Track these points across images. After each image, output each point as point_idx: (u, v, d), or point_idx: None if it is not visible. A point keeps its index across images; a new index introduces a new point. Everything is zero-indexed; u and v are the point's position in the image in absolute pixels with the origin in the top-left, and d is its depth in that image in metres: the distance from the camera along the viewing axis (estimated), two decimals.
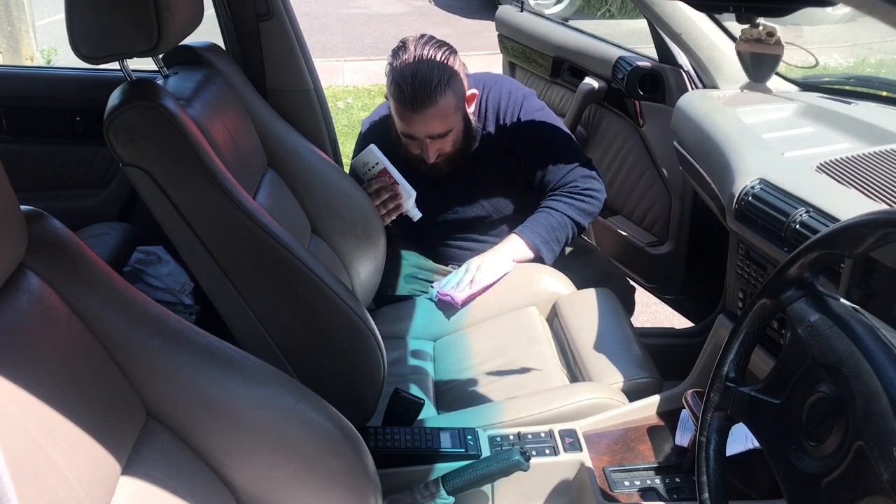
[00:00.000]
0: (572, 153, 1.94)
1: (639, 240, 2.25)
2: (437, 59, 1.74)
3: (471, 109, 1.87)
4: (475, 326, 1.84)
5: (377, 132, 1.95)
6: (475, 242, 1.99)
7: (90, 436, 0.78)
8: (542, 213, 1.91)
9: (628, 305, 2.08)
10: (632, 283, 2.24)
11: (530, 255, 1.90)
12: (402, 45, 1.77)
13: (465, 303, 1.84)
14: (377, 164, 1.78)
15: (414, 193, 1.83)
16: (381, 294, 1.93)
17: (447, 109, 1.75)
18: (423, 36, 1.80)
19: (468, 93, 1.83)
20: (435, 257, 2.04)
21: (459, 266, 1.99)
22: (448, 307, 1.86)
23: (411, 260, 2.02)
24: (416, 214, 1.86)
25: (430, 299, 1.88)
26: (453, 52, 1.79)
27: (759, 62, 1.66)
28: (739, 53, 1.69)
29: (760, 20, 1.60)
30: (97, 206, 2.11)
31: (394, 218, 1.85)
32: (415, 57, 1.73)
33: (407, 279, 2.01)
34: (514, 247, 1.89)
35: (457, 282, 1.84)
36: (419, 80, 1.70)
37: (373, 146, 1.79)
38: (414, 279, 2.00)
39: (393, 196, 1.80)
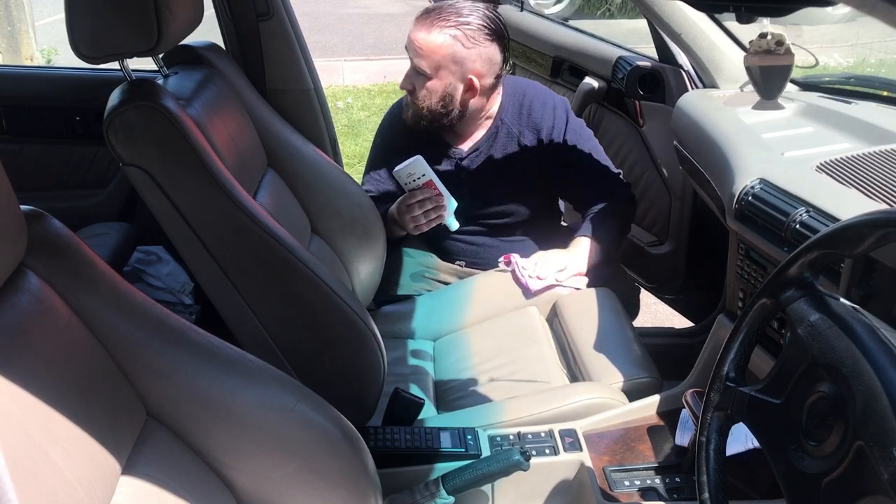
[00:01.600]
0: (614, 174, 1.97)
1: (639, 240, 2.25)
2: (465, 18, 1.74)
3: (468, 96, 1.81)
4: (475, 326, 1.84)
5: (398, 118, 1.94)
6: (485, 237, 1.98)
7: (90, 436, 0.78)
8: (601, 218, 1.91)
9: (633, 307, 2.08)
10: (636, 285, 2.24)
11: (597, 256, 1.88)
12: None
13: (535, 293, 1.83)
14: (423, 175, 1.79)
15: (455, 205, 1.85)
16: (383, 293, 1.93)
17: (435, 51, 1.74)
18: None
19: (469, 76, 1.77)
20: (441, 253, 2.02)
21: (465, 263, 1.99)
22: (449, 307, 1.86)
23: (417, 258, 2.02)
24: (455, 225, 1.87)
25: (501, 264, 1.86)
26: (492, 32, 1.76)
27: (769, 76, 1.64)
28: (748, 69, 1.67)
29: (767, 28, 1.59)
30: (97, 206, 2.11)
31: (433, 227, 1.85)
32: (460, 4, 1.76)
33: (414, 277, 2.01)
34: (583, 249, 1.86)
35: (536, 274, 1.81)
36: (443, 8, 1.74)
37: (419, 157, 1.78)
38: (421, 277, 2.00)
39: (437, 207, 1.82)
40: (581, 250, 1.86)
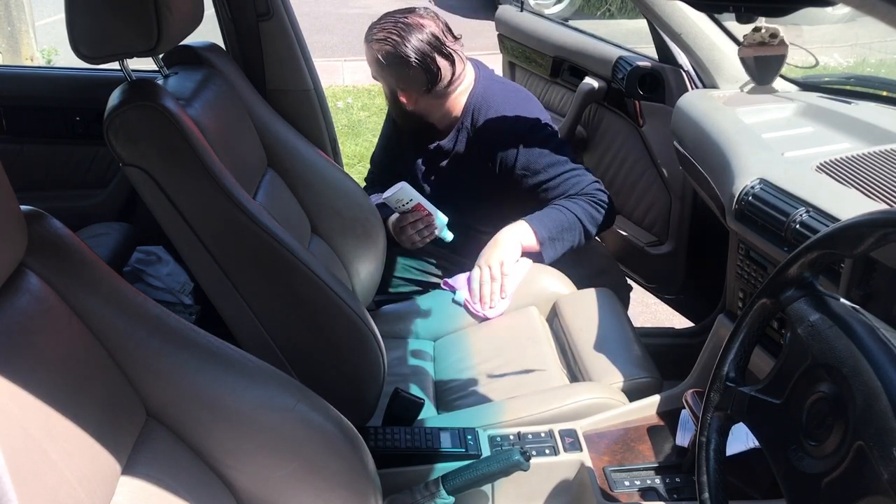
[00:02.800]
0: (577, 177, 1.91)
1: (639, 240, 2.25)
2: (407, 28, 1.82)
3: (412, 104, 1.92)
4: (475, 326, 1.84)
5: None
6: (466, 242, 1.98)
7: (90, 436, 0.78)
8: (555, 210, 1.86)
9: (623, 302, 2.07)
10: (630, 281, 2.24)
11: (535, 246, 1.83)
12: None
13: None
14: (411, 200, 1.86)
15: (446, 220, 1.91)
16: (380, 294, 1.93)
17: (375, 62, 1.87)
18: (426, 9, 1.91)
19: (406, 85, 1.87)
20: (420, 254, 2.03)
21: (442, 271, 2.00)
22: (449, 307, 1.86)
23: (404, 260, 2.03)
24: (449, 237, 1.92)
25: (457, 302, 1.86)
26: (404, 57, 1.83)
27: (764, 64, 1.66)
28: (743, 59, 1.68)
29: (762, 23, 1.59)
30: (97, 206, 2.11)
31: (427, 242, 1.92)
32: (400, 15, 1.86)
33: (403, 269, 2.02)
34: (520, 233, 1.83)
35: (478, 294, 1.82)
36: (376, 25, 1.86)
37: (404, 184, 1.86)
38: (408, 269, 2.02)
39: (428, 226, 1.89)
40: (508, 235, 1.83)
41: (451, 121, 1.96)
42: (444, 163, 1.98)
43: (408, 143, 2.04)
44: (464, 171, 1.96)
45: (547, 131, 1.92)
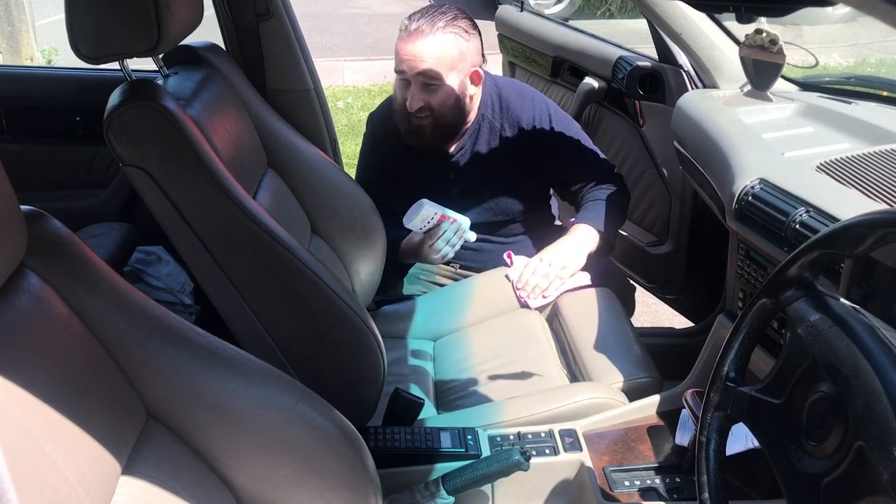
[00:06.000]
0: (603, 160, 1.98)
1: (639, 240, 2.25)
2: (451, 15, 1.77)
3: (473, 91, 1.85)
4: (475, 326, 1.84)
5: (383, 127, 1.97)
6: (481, 241, 1.99)
7: (90, 436, 0.78)
8: (607, 206, 1.89)
9: (628, 305, 2.08)
10: (632, 282, 2.24)
11: (597, 244, 1.85)
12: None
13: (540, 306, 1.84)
14: (435, 214, 1.83)
15: (469, 221, 1.88)
16: (381, 294, 1.93)
17: (443, 51, 1.74)
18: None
19: (473, 69, 1.81)
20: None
21: (460, 265, 1.99)
22: (449, 307, 1.86)
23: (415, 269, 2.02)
24: (473, 237, 1.91)
25: (508, 277, 1.85)
26: (474, 25, 1.81)
27: (762, 70, 1.66)
28: (742, 59, 1.69)
29: (763, 26, 1.59)
30: (97, 206, 2.11)
31: (457, 249, 1.88)
32: (437, 9, 1.78)
33: (409, 280, 2.01)
34: (591, 240, 1.84)
35: (524, 281, 1.82)
36: (426, 16, 1.76)
37: (424, 201, 1.82)
38: (416, 279, 2.00)
39: (457, 231, 1.86)
40: (580, 241, 1.83)
41: (470, 118, 1.92)
42: (465, 162, 1.93)
43: (410, 160, 1.94)
44: (491, 164, 1.92)
45: (563, 114, 1.97)
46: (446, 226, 1.85)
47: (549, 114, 1.92)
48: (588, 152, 1.95)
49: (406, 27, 1.77)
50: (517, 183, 1.94)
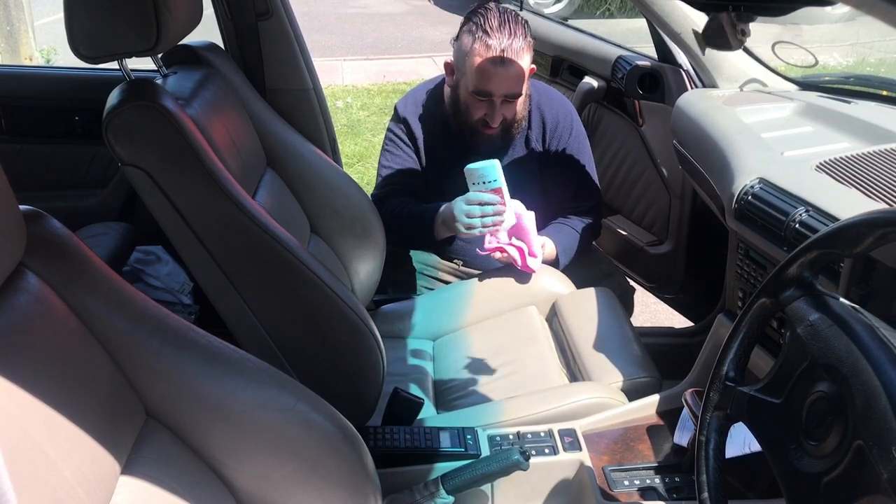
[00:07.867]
0: (595, 186, 2.00)
1: (638, 239, 2.25)
2: (519, 24, 1.75)
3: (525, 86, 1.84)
4: (475, 326, 1.84)
5: (419, 111, 1.95)
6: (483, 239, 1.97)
7: (90, 436, 0.78)
8: (567, 229, 1.95)
9: (627, 306, 2.08)
10: (632, 282, 2.24)
11: (552, 258, 1.92)
12: (483, 9, 1.77)
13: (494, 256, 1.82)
14: (494, 180, 1.70)
15: (514, 222, 1.77)
16: (382, 293, 1.92)
17: (526, 68, 1.76)
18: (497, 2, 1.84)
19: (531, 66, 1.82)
20: (441, 252, 2.02)
21: (463, 262, 1.99)
22: (449, 307, 1.86)
23: (417, 256, 2.02)
24: (505, 236, 1.81)
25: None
26: (526, 21, 1.80)
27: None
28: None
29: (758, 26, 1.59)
30: (97, 206, 2.11)
31: (486, 233, 1.76)
32: (501, 18, 1.73)
33: (411, 276, 2.01)
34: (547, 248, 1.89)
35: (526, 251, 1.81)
36: (504, 30, 1.71)
37: (497, 162, 1.70)
38: (420, 275, 2.00)
39: (497, 214, 1.72)
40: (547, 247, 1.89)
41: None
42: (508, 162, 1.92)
43: (454, 151, 1.90)
44: (510, 171, 1.86)
45: (583, 129, 1.99)
46: (495, 199, 1.72)
47: (571, 123, 1.93)
48: (590, 180, 1.98)
49: (487, 44, 1.70)
50: (530, 187, 1.93)
